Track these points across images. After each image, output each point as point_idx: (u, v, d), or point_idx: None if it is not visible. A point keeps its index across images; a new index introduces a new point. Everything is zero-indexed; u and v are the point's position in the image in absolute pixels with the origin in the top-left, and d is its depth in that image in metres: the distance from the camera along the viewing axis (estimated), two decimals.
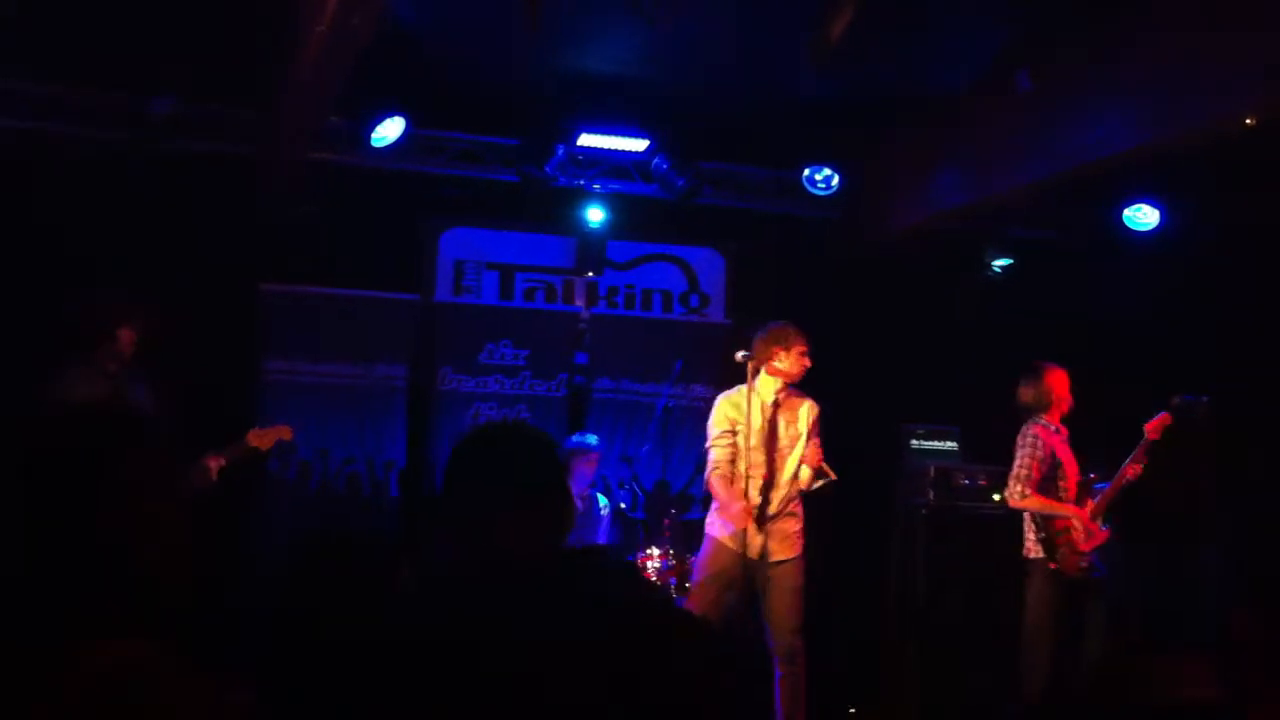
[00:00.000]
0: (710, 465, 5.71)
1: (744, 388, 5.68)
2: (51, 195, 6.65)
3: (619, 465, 7.85)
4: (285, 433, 5.78)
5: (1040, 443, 6.00)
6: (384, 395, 7.71)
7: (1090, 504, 6.00)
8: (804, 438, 5.68)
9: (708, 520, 5.81)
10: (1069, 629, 5.92)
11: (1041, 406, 6.10)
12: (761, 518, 5.57)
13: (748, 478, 5.56)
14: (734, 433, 5.65)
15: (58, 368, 5.13)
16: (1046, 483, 6.00)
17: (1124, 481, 5.99)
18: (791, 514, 5.68)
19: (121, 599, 1.56)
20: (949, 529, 7.42)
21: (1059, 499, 6.00)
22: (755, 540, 5.53)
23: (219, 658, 1.77)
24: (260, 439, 5.64)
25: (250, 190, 7.18)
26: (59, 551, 1.55)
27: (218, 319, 7.16)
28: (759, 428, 5.64)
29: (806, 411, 5.74)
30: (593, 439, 7.19)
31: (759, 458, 5.61)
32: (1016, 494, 5.99)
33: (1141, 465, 5.98)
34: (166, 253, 6.84)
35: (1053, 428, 6.08)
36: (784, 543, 5.62)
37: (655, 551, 6.79)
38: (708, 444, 5.77)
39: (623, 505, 7.37)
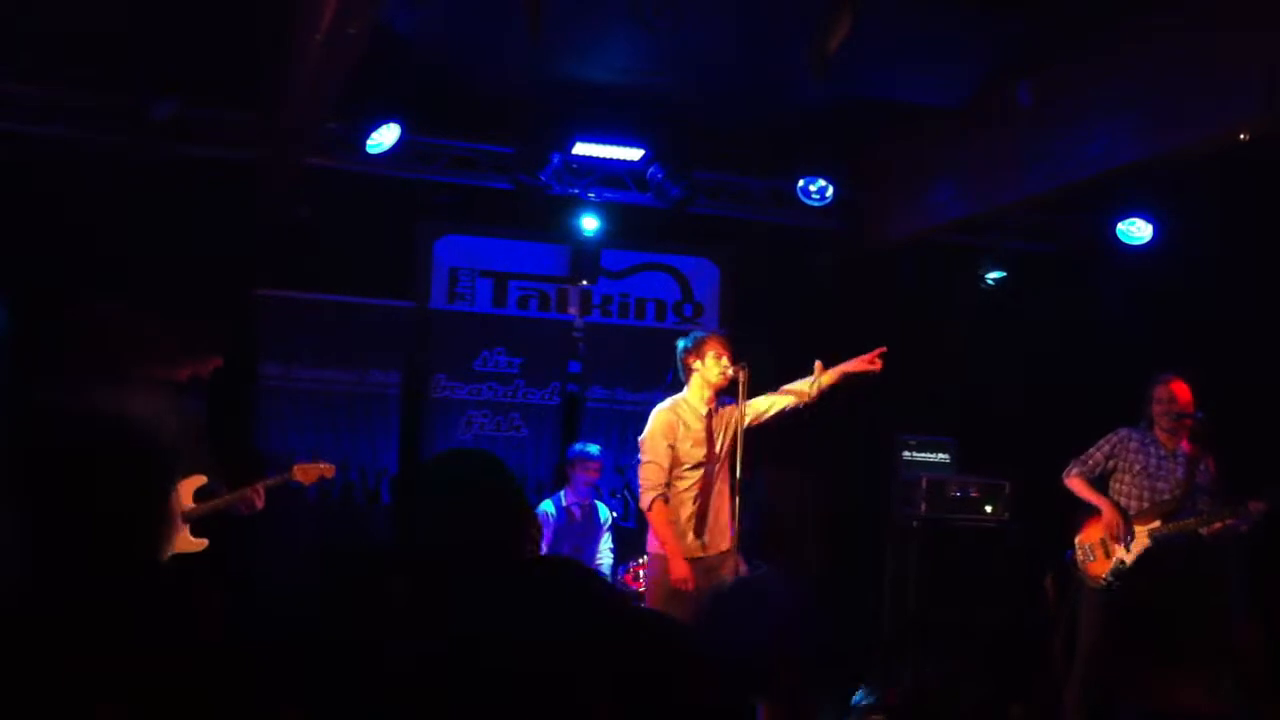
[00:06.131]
0: (647, 486, 5.50)
1: (677, 398, 5.65)
2: (50, 198, 6.63)
3: (612, 475, 7.84)
4: (328, 470, 5.88)
5: (1111, 439, 6.09)
6: (378, 402, 7.71)
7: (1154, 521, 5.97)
8: (738, 441, 5.52)
9: (649, 539, 5.72)
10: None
11: (1144, 414, 6.13)
12: (700, 528, 5.51)
13: (689, 491, 5.53)
14: (673, 446, 5.53)
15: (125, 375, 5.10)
16: (1101, 480, 6.10)
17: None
18: (728, 514, 5.56)
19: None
20: (941, 541, 7.42)
21: (1108, 499, 6.02)
22: (695, 543, 5.49)
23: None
24: (304, 474, 5.72)
25: (249, 195, 7.17)
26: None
27: (215, 323, 7.14)
28: (697, 439, 5.57)
29: (737, 418, 5.58)
30: (594, 448, 7.18)
31: (697, 470, 5.56)
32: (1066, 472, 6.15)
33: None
34: (164, 256, 6.82)
35: (1146, 436, 6.06)
36: (721, 535, 5.55)
37: (645, 560, 6.78)
38: (644, 458, 5.56)
39: (614, 514, 7.36)
